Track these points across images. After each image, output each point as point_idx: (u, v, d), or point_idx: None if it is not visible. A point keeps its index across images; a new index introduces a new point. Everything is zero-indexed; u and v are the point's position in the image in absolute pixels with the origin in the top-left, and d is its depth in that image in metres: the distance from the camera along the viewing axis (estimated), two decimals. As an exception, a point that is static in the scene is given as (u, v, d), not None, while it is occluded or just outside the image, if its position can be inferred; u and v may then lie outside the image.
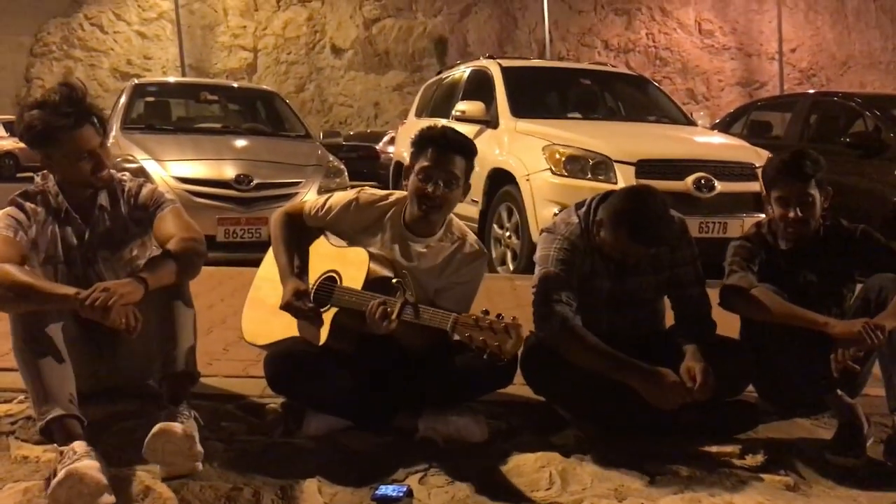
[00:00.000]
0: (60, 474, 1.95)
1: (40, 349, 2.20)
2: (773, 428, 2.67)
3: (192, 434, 2.17)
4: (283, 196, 5.87)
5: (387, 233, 2.62)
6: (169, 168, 5.83)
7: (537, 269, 2.62)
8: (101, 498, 1.96)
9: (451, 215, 2.70)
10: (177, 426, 2.14)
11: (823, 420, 2.74)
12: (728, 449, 2.49)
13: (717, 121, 9.99)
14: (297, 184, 6.11)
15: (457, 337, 2.10)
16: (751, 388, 2.77)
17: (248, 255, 4.92)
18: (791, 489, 2.26)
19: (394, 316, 2.24)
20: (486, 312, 2.09)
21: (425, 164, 2.53)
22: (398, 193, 2.71)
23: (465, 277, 2.62)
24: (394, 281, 2.33)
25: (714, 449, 2.50)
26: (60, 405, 2.13)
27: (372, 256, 2.52)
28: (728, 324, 2.78)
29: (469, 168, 2.59)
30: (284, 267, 2.60)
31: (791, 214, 2.66)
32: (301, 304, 2.46)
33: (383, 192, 2.74)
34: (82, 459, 1.99)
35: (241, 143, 6.77)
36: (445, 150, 2.53)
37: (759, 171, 5.64)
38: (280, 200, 5.71)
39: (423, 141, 2.57)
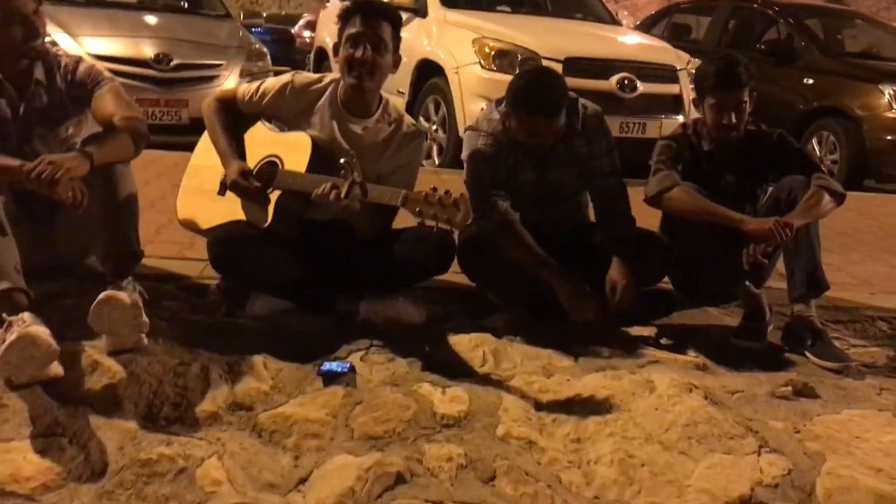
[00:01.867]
0: (12, 336, 1.92)
1: None
2: (686, 315, 2.90)
3: (137, 303, 2.17)
4: (203, 78, 5.70)
5: (325, 114, 2.63)
6: (84, 44, 5.50)
7: (467, 166, 2.70)
8: (51, 367, 1.97)
9: (387, 97, 2.72)
10: (123, 294, 2.13)
11: (730, 309, 2.99)
12: (646, 333, 2.72)
13: (639, 22, 10.07)
14: (218, 66, 5.87)
15: (408, 212, 2.17)
16: (667, 278, 2.97)
17: (168, 138, 4.77)
18: (700, 368, 2.50)
19: (343, 195, 2.27)
20: (435, 189, 2.16)
21: (352, 30, 2.54)
22: (331, 75, 2.71)
23: (406, 159, 2.67)
24: (342, 161, 2.35)
25: (633, 332, 2.72)
26: (8, 278, 2.09)
27: (314, 140, 2.54)
28: (650, 216, 2.95)
29: (397, 37, 2.60)
30: (225, 149, 2.59)
31: (726, 121, 2.77)
32: (248, 182, 2.47)
33: (317, 76, 2.73)
34: (32, 325, 1.98)
35: (159, 20, 6.43)
36: (372, 15, 2.55)
37: (680, 74, 5.83)
38: (201, 83, 5.57)
39: (349, 10, 2.59)
